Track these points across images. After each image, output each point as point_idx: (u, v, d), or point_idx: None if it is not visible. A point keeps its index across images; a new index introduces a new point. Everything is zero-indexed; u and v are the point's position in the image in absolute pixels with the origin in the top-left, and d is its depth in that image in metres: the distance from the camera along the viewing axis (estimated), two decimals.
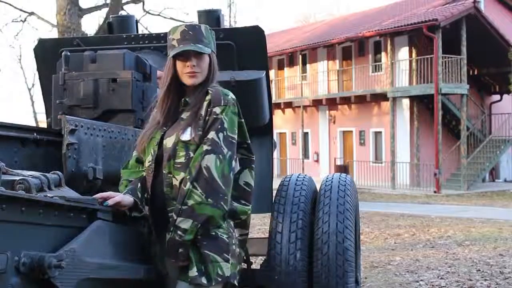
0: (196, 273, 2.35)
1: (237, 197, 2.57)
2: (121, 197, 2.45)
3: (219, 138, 2.42)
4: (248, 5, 67.86)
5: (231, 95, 2.53)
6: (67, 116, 2.90)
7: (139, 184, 2.56)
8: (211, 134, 2.42)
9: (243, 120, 2.57)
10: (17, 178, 2.19)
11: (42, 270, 1.91)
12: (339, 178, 3.90)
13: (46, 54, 4.21)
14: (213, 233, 2.39)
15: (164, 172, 2.48)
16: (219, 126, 2.44)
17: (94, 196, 2.41)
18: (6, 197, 1.82)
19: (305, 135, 27.48)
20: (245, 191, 2.61)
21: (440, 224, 11.69)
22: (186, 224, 2.34)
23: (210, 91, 2.51)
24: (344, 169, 22.28)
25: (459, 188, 21.04)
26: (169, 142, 2.49)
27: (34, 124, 32.87)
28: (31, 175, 2.28)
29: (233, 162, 2.45)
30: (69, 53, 3.49)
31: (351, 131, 25.44)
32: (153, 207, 2.53)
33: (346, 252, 3.46)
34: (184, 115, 2.53)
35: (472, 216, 12.88)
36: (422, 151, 22.23)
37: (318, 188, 3.90)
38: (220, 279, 2.36)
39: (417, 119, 22.42)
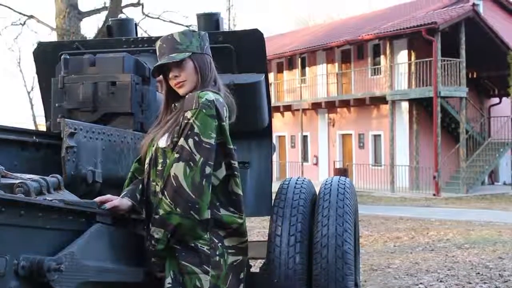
0: (170, 284, 2.33)
1: (226, 204, 2.45)
2: (119, 201, 2.44)
3: (188, 145, 2.30)
4: (247, 9, 67.98)
5: (207, 97, 2.36)
6: (66, 119, 2.89)
7: (140, 185, 2.55)
8: (181, 141, 2.32)
9: (225, 123, 2.42)
10: (17, 181, 2.19)
11: (41, 273, 1.91)
12: (338, 181, 3.90)
13: (46, 57, 4.20)
14: (192, 245, 2.33)
15: (150, 179, 2.48)
16: (189, 132, 2.32)
17: (94, 200, 2.41)
18: (6, 200, 1.82)
19: (304, 138, 27.49)
20: (232, 199, 2.46)
21: (440, 227, 11.70)
22: (158, 234, 2.31)
23: (187, 96, 2.43)
24: (343, 172, 22.25)
25: (458, 191, 21.04)
26: (153, 148, 2.48)
27: (33, 127, 32.86)
28: (30, 178, 2.27)
29: (208, 169, 2.30)
30: (68, 56, 3.49)
31: (350, 134, 25.45)
32: (147, 211, 2.52)
33: (346, 255, 3.46)
34: (169, 120, 2.51)
35: (472, 219, 12.89)
36: (421, 154, 22.24)
37: (317, 191, 3.90)
38: None
39: (416, 122, 22.43)
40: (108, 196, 2.45)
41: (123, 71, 3.45)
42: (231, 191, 2.46)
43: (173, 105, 2.55)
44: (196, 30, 2.62)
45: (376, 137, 24.30)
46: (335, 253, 3.45)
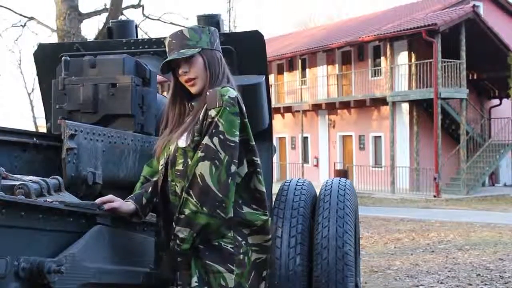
0: (196, 284, 2.31)
1: (248, 201, 2.43)
2: (120, 204, 2.41)
3: (213, 143, 2.28)
4: (248, 10, 68.03)
5: (230, 95, 2.35)
6: (66, 121, 2.89)
7: (150, 188, 2.51)
8: (205, 140, 2.30)
9: (246, 119, 2.42)
10: (17, 183, 2.19)
11: (42, 275, 1.91)
12: (339, 183, 3.90)
13: (46, 59, 4.20)
14: (216, 243, 2.32)
15: (168, 179, 2.43)
16: (214, 130, 2.29)
17: (96, 200, 2.40)
18: (6, 202, 1.82)
19: (305, 139, 27.49)
20: (255, 197, 2.45)
21: (440, 228, 11.69)
22: (183, 233, 2.27)
23: (207, 93, 2.39)
24: (343, 173, 22.27)
25: (458, 192, 21.03)
26: (171, 148, 2.43)
27: (33, 129, 32.89)
28: (30, 180, 2.27)
29: (233, 167, 2.30)
30: (68, 58, 3.50)
31: (351, 136, 25.45)
32: (165, 213, 2.47)
33: (346, 256, 3.46)
34: (186, 119, 2.46)
35: (472, 221, 12.88)
36: (422, 155, 22.23)
37: (317, 193, 3.90)
38: None
39: (417, 124, 22.43)
40: (110, 196, 2.42)
41: (124, 72, 3.46)
42: (253, 188, 2.44)
43: (189, 104, 2.49)
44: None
45: (377, 139, 24.30)
46: (335, 255, 3.45)
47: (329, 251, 3.46)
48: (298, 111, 26.73)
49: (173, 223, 2.31)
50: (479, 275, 7.11)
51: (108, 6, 18.28)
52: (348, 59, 25.84)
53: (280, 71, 29.85)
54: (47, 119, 4.07)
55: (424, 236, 10.59)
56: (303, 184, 3.87)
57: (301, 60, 27.74)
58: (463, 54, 21.18)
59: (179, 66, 2.44)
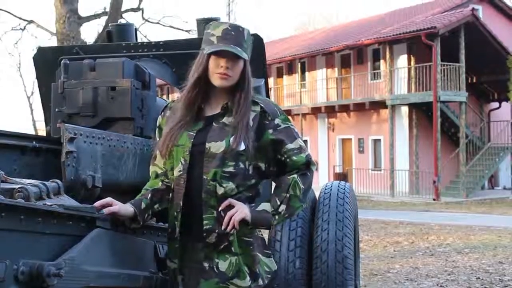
0: (249, 282, 2.36)
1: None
2: (119, 207, 2.38)
3: (301, 143, 2.54)
4: (247, 13, 68.13)
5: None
6: (66, 124, 2.89)
7: (149, 195, 2.47)
8: (298, 142, 2.52)
9: None
10: (16, 186, 2.19)
11: (41, 278, 1.91)
12: (338, 186, 3.90)
13: (46, 62, 4.21)
14: (256, 233, 2.46)
15: (205, 178, 2.35)
16: (295, 133, 2.53)
17: (95, 203, 2.39)
18: (5, 205, 1.82)
19: (304, 142, 27.11)
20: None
21: (439, 231, 11.69)
22: (280, 207, 2.43)
23: (260, 103, 2.44)
24: (343, 176, 22.28)
25: (458, 195, 21.03)
26: (214, 147, 2.36)
27: (33, 132, 32.89)
28: (30, 183, 2.27)
29: None
30: (68, 61, 3.50)
31: (350, 139, 25.46)
32: (185, 214, 2.40)
33: (345, 260, 3.46)
34: (227, 121, 2.40)
35: (471, 224, 12.88)
36: (421, 158, 22.24)
37: (317, 196, 3.91)
38: (269, 276, 2.44)
39: (416, 127, 22.44)
40: (109, 199, 2.40)
41: (123, 76, 3.46)
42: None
43: (223, 103, 2.43)
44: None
45: (376, 142, 24.30)
46: (335, 258, 3.45)
47: (329, 254, 3.47)
48: (298, 114, 26.75)
49: (272, 199, 2.43)
50: (479, 278, 7.11)
51: (107, 10, 18.30)
52: (347, 62, 25.86)
53: (279, 75, 29.87)
54: (47, 122, 4.08)
55: (423, 239, 10.59)
56: None
57: (301, 64, 27.76)
58: (463, 57, 21.20)
59: (223, 58, 2.37)
